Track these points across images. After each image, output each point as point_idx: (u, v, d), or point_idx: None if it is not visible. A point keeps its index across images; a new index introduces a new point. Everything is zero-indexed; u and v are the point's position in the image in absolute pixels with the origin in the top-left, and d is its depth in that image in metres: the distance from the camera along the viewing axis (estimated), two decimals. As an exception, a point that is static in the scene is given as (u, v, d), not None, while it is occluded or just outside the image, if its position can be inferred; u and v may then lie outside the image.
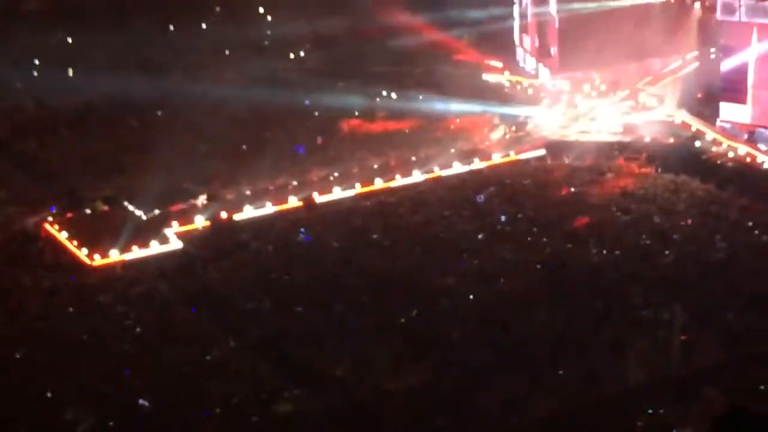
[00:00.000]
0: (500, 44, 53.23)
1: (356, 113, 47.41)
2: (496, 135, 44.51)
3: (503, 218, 35.95)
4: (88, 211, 38.30)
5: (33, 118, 48.45)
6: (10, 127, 47.34)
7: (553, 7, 49.12)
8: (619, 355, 26.85)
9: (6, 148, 45.24)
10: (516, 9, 52.37)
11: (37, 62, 54.42)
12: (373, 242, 34.93)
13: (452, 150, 42.79)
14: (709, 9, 42.67)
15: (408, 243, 34.57)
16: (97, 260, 34.13)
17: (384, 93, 49.63)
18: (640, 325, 28.34)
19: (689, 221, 35.12)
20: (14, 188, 40.46)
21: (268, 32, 59.20)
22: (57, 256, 34.87)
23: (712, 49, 43.95)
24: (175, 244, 35.31)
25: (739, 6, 40.95)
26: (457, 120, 46.37)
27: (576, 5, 48.12)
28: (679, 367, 26.75)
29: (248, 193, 39.08)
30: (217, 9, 60.75)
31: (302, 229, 35.94)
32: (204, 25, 59.14)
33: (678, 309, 28.38)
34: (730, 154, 40.67)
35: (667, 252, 32.83)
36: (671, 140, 42.50)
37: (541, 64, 50.77)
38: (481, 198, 37.77)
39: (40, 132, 46.55)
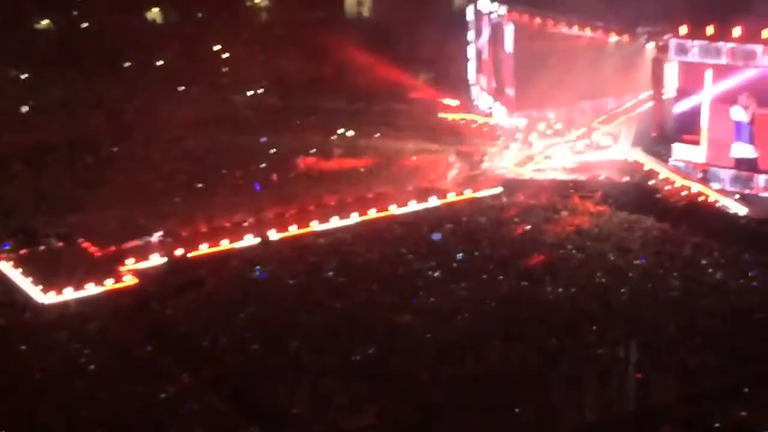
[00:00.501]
0: (456, 83, 53.55)
1: (312, 150, 47.50)
2: (452, 173, 44.70)
3: (459, 256, 36.02)
4: (42, 247, 37.99)
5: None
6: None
7: (508, 46, 49.55)
8: (575, 393, 26.88)
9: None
10: (471, 48, 52.75)
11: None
12: (329, 279, 34.85)
13: (409, 188, 42.92)
14: (662, 49, 43.06)
15: (364, 280, 34.50)
16: (51, 297, 33.83)
17: (340, 131, 49.75)
18: (595, 362, 28.39)
19: (644, 259, 35.31)
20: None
21: (225, 69, 59.29)
22: (10, 294, 34.56)
23: (665, 89, 44.36)
24: (131, 281, 35.09)
25: (692, 47, 41.46)
26: (414, 158, 46.55)
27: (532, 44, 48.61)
28: (636, 405, 26.81)
29: (204, 230, 38.96)
30: (173, 46, 60.79)
31: (257, 267, 35.83)
32: (159, 62, 59.12)
33: (633, 346, 28.48)
34: (684, 193, 41.05)
35: (622, 290, 32.98)
36: (625, 179, 42.85)
37: (497, 103, 51.11)
38: (437, 236, 37.84)
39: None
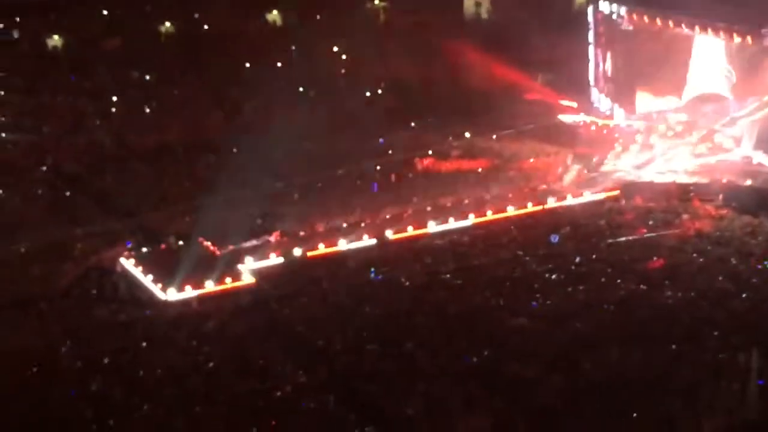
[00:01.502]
0: (575, 85, 53.10)
1: (430, 152, 47.53)
2: (570, 175, 44.32)
3: (577, 259, 35.71)
4: (162, 246, 38.64)
5: (110, 156, 49.16)
6: (88, 163, 48.05)
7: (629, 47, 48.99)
8: (694, 400, 26.43)
9: (84, 183, 45.90)
10: (591, 49, 52.24)
11: (115, 99, 55.25)
12: (445, 281, 34.83)
13: (526, 190, 42.68)
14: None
15: (480, 283, 34.41)
16: (172, 295, 34.39)
17: (458, 132, 49.70)
18: (716, 369, 27.89)
19: (766, 264, 34.60)
20: (90, 224, 40.95)
21: (343, 71, 59.63)
22: (132, 291, 35.24)
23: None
24: (249, 280, 35.49)
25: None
26: (531, 160, 46.29)
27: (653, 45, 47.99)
28: (757, 413, 26.27)
29: (321, 230, 39.23)
30: (293, 48, 61.30)
31: (373, 268, 35.94)
32: (279, 64, 59.69)
33: (755, 353, 27.92)
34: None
35: (744, 295, 32.35)
36: (748, 182, 42.05)
37: (616, 105, 50.56)
38: (555, 238, 37.55)
39: (117, 168, 47.21)
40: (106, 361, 30.22)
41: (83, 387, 28.74)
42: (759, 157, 43.83)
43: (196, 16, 62.82)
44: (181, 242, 38.72)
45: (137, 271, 36.30)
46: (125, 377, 29.23)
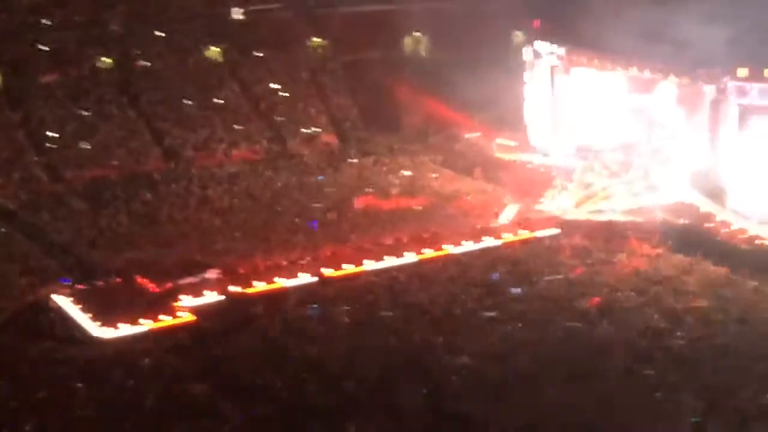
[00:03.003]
0: (512, 123, 53.52)
1: (369, 189, 47.63)
2: (508, 214, 44.57)
3: (515, 297, 35.89)
4: (99, 283, 38.28)
5: (46, 191, 48.69)
6: (25, 199, 47.51)
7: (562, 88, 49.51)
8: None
9: (19, 220, 45.34)
10: (527, 89, 52.70)
11: (51, 135, 54.75)
12: (384, 319, 34.84)
13: (464, 228, 42.86)
14: (721, 91, 42.81)
15: (419, 320, 34.47)
16: (108, 333, 34.06)
17: (397, 169, 49.88)
18: (652, 406, 28.13)
19: (701, 303, 34.98)
20: (26, 260, 40.50)
21: (281, 107, 59.59)
22: (68, 329, 34.85)
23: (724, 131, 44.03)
24: (187, 318, 35.26)
25: (750, 90, 41.27)
26: (469, 198, 46.51)
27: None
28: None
29: (261, 267, 39.10)
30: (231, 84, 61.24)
31: (313, 305, 35.88)
32: (217, 100, 59.53)
33: (690, 390, 28.20)
34: (742, 236, 40.63)
35: (679, 333, 32.67)
36: (683, 221, 42.51)
37: (553, 143, 50.98)
38: (496, 276, 37.71)
39: (53, 205, 46.75)
40: (41, 400, 29.81)
41: (18, 426, 28.31)
42: (693, 197, 44.30)
43: (137, 52, 62.45)
44: (118, 279, 38.40)
45: (73, 309, 35.90)
46: (61, 416, 28.87)
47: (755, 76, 41.61)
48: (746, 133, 42.18)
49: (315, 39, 64.57)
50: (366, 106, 58.24)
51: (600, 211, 44.05)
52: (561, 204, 45.10)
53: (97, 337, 34.12)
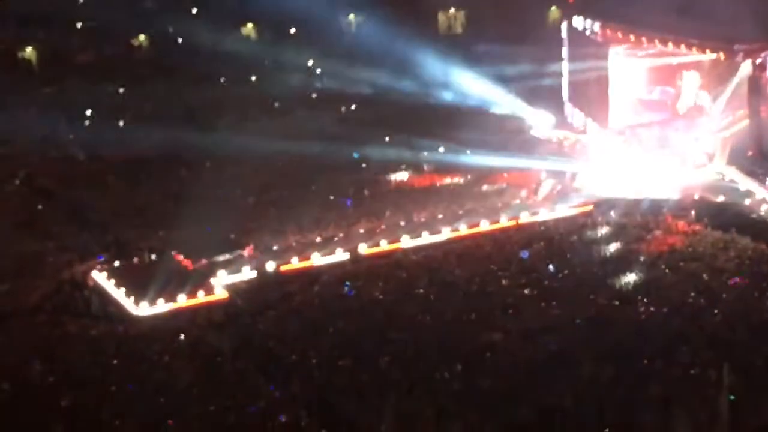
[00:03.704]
0: (550, 100, 53.27)
1: (403, 166, 47.57)
2: (544, 190, 44.42)
3: (550, 274, 35.78)
4: (135, 260, 38.50)
5: (83, 169, 48.96)
6: (61, 178, 47.82)
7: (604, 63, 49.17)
8: (667, 415, 26.49)
9: (56, 198, 45.66)
10: (565, 65, 52.42)
11: (88, 113, 55.03)
12: (419, 296, 34.85)
13: (499, 204, 42.76)
14: (759, 67, 42.42)
15: (453, 297, 34.45)
16: (144, 309, 34.27)
17: (431, 147, 49.75)
18: (688, 384, 27.99)
19: (738, 280, 34.75)
20: (63, 237, 40.78)
21: (318, 85, 59.62)
22: (104, 305, 35.09)
23: (762, 107, 43.69)
24: (222, 295, 35.40)
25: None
26: (505, 175, 46.36)
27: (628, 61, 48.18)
28: (729, 428, 26.34)
29: (294, 244, 39.19)
30: (266, 62, 61.28)
31: (347, 282, 35.93)
32: (253, 77, 59.64)
33: (727, 368, 28.01)
34: (782, 213, 40.42)
35: (715, 311, 32.47)
36: (721, 198, 42.23)
37: (589, 119, 50.73)
38: (526, 254, 37.61)
39: (90, 182, 47.01)
40: (77, 376, 30.03)
41: (55, 402, 28.54)
42: (731, 174, 44.01)
43: (170, 29, 62.65)
44: (153, 256, 38.59)
45: (110, 285, 36.14)
46: (97, 393, 29.08)
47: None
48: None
49: (351, 16, 64.67)
50: (399, 82, 58.07)
51: (636, 188, 43.81)
52: (597, 180, 44.87)
53: (133, 313, 34.34)
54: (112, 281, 36.28)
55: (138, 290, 35.13)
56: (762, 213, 40.60)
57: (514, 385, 28.32)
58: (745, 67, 43.62)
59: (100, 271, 37.24)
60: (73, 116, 54.32)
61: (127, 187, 46.43)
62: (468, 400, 27.74)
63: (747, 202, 41.70)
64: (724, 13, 42.85)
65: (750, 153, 44.58)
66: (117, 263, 38.08)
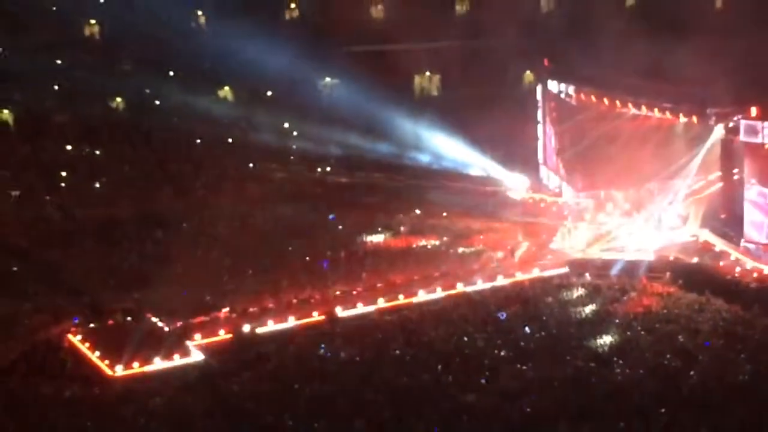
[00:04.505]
0: (524, 162, 53.54)
1: (379, 228, 47.65)
2: (519, 252, 44.55)
3: (526, 336, 35.81)
4: (110, 322, 38.31)
5: (58, 230, 48.82)
6: (36, 238, 47.63)
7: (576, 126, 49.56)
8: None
9: (31, 258, 45.45)
10: (540, 127, 52.80)
11: (64, 174, 54.96)
12: (395, 357, 34.80)
13: (475, 266, 42.85)
14: (732, 130, 42.83)
15: (430, 359, 34.40)
16: (119, 371, 34.08)
17: (408, 209, 49.86)
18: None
19: (714, 341, 34.86)
20: (38, 298, 40.54)
21: (294, 147, 59.77)
22: (79, 367, 34.86)
23: (735, 171, 44.06)
24: (197, 357, 35.25)
25: (762, 129, 41.27)
26: (481, 236, 46.49)
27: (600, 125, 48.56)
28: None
29: (271, 306, 39.11)
30: (242, 123, 61.46)
31: (323, 344, 35.87)
32: (230, 139, 59.76)
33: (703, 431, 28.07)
34: (755, 275, 40.55)
35: (691, 372, 32.54)
36: (695, 260, 42.46)
37: (564, 183, 51.01)
38: (503, 315, 37.66)
39: (65, 243, 46.84)
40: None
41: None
42: (705, 236, 44.28)
43: (147, 91, 62.82)
44: (129, 318, 38.43)
45: (84, 348, 35.93)
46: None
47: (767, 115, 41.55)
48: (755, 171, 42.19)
49: (326, 79, 65.04)
50: (375, 145, 58.27)
51: (611, 250, 44.00)
52: (573, 243, 45.07)
53: (108, 375, 34.11)
54: (87, 344, 36.04)
55: (113, 352, 34.93)
56: (736, 275, 40.78)
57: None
58: (718, 131, 43.97)
59: (75, 333, 36.99)
60: (48, 177, 54.20)
61: (102, 248, 46.20)
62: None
63: (721, 263, 41.89)
64: (696, 76, 43.34)
65: (723, 215, 44.88)
66: (92, 325, 37.86)
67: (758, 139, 41.59)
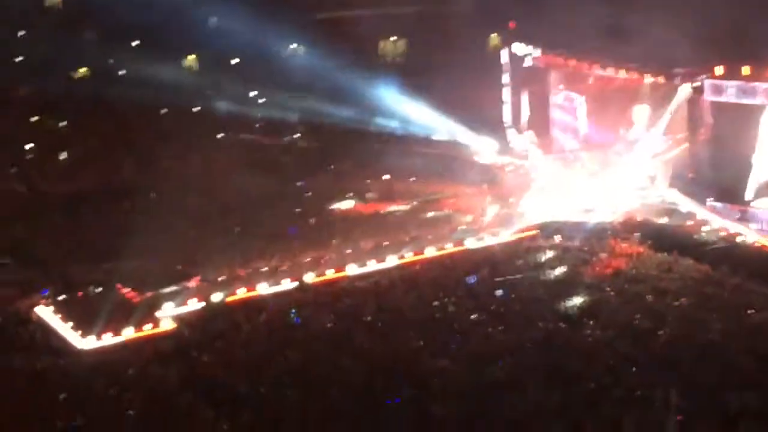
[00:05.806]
0: (491, 125, 53.57)
1: (348, 194, 47.62)
2: (489, 216, 44.64)
3: (496, 299, 35.92)
4: (80, 294, 38.17)
5: (25, 203, 48.54)
6: (2, 212, 47.33)
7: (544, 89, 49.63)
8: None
9: (-2, 233, 45.20)
10: (506, 90, 52.79)
11: (28, 147, 54.62)
12: (367, 324, 34.82)
13: (445, 230, 42.90)
14: (698, 90, 42.97)
15: (401, 324, 34.45)
16: (90, 343, 33.96)
17: (376, 174, 49.87)
18: (635, 405, 28.16)
19: (683, 301, 35.09)
20: (6, 272, 40.34)
21: (260, 115, 59.60)
22: (49, 339, 34.73)
23: (702, 130, 44.25)
24: (169, 327, 35.18)
25: (727, 87, 41.45)
26: (450, 201, 46.56)
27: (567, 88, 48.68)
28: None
29: (241, 274, 39.06)
30: (208, 93, 61.22)
31: (293, 310, 35.87)
32: (196, 108, 59.52)
33: (674, 390, 28.22)
34: (722, 234, 40.81)
35: (660, 332, 32.75)
36: (663, 220, 42.65)
37: (532, 145, 51.06)
38: (473, 279, 37.74)
39: (32, 216, 46.57)
40: (22, 411, 29.67)
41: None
42: (673, 196, 44.46)
43: (111, 61, 62.40)
44: (99, 289, 38.29)
45: (55, 320, 35.78)
46: (42, 428, 28.74)
47: (732, 75, 41.71)
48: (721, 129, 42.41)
49: (293, 45, 64.75)
50: (343, 110, 58.17)
51: (579, 212, 44.13)
52: (541, 205, 45.16)
53: (79, 347, 34.01)
54: (57, 316, 35.90)
55: (83, 324, 34.80)
56: (703, 234, 41.02)
57: (463, 411, 28.34)
58: (684, 90, 44.07)
59: (45, 305, 36.83)
60: (13, 150, 53.83)
61: (70, 221, 46.01)
62: (419, 427, 27.73)
63: (689, 223, 42.11)
64: (662, 38, 43.41)
65: (690, 175, 45.07)
66: (61, 297, 37.70)
67: (723, 98, 41.80)
